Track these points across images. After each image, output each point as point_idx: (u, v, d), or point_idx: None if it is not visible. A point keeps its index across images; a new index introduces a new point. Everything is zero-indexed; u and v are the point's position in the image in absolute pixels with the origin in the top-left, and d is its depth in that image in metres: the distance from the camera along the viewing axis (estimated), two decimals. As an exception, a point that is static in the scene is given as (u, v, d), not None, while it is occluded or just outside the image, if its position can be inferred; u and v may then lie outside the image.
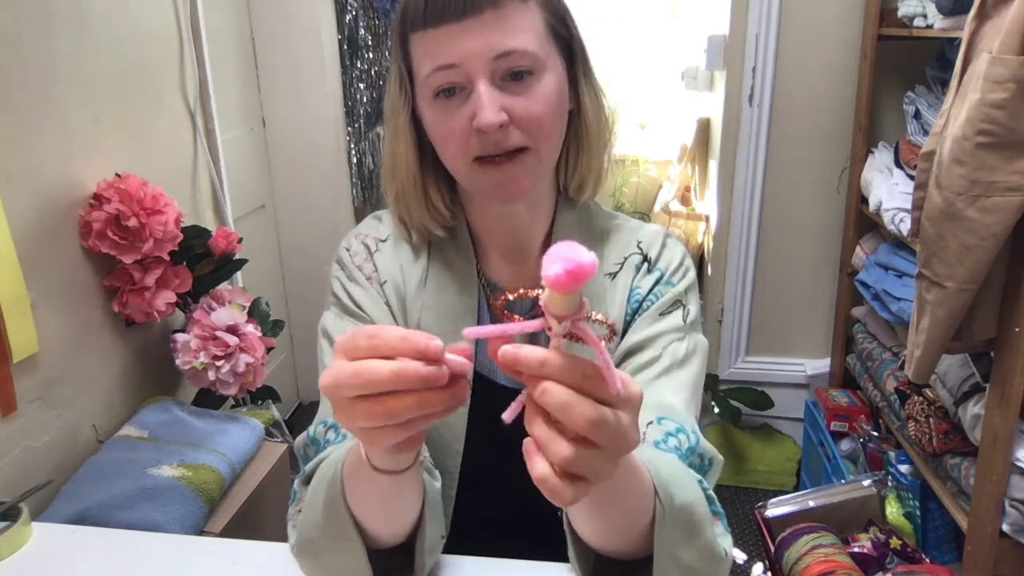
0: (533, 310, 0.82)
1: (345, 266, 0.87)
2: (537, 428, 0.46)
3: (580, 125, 0.82)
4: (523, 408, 0.49)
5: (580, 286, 0.43)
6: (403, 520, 0.69)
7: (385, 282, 0.85)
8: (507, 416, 0.48)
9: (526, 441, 0.48)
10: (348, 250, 0.88)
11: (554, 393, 0.45)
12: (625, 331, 0.84)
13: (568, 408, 0.45)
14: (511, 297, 0.49)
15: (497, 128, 0.71)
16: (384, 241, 0.88)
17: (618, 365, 0.82)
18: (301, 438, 0.80)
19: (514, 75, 0.73)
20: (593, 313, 0.47)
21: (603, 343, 0.46)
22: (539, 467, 0.46)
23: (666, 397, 0.77)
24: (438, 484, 0.78)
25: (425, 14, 0.72)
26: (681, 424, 0.75)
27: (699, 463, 0.75)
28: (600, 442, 0.46)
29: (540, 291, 0.47)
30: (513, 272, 0.87)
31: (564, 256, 0.43)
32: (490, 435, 0.53)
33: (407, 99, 0.79)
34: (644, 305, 0.84)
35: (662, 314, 0.83)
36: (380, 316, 0.84)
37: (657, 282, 0.85)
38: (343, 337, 0.50)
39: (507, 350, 0.46)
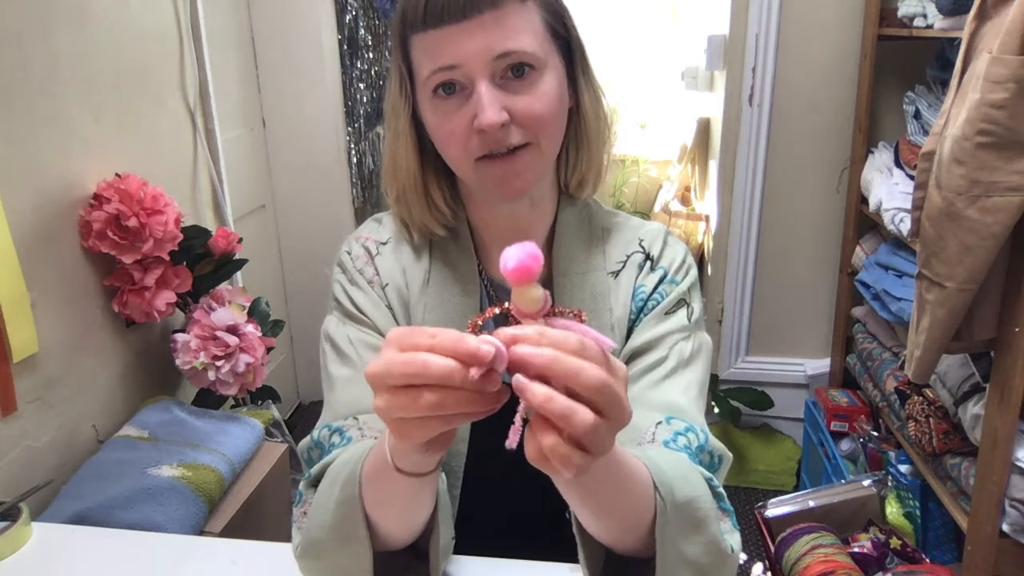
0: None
1: (346, 270, 0.87)
2: (557, 403, 0.46)
3: (580, 123, 0.82)
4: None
5: (539, 267, 0.47)
6: (417, 521, 0.70)
7: (387, 285, 0.86)
8: (511, 443, 0.48)
9: (533, 419, 0.48)
10: (349, 253, 0.88)
11: (564, 359, 0.46)
12: (630, 330, 0.84)
13: (581, 371, 0.46)
14: (480, 322, 0.51)
15: (498, 128, 0.72)
16: (385, 243, 0.88)
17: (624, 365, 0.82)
18: (305, 441, 0.80)
19: (515, 75, 0.73)
20: (557, 308, 0.50)
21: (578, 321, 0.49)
22: (549, 438, 0.47)
23: (674, 397, 0.78)
24: (444, 485, 0.78)
25: (425, 16, 0.72)
26: (690, 424, 0.75)
27: (709, 461, 0.75)
28: (606, 409, 0.47)
29: (506, 304, 0.50)
30: None
31: (519, 247, 0.47)
32: (493, 435, 0.53)
33: (407, 100, 0.79)
34: (649, 304, 0.84)
35: (667, 313, 0.83)
36: (382, 320, 0.84)
37: (661, 280, 0.85)
38: (400, 331, 0.51)
39: (505, 333, 0.48)
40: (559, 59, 0.78)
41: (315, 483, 0.74)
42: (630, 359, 0.82)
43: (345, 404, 0.79)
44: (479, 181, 0.78)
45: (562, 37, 0.79)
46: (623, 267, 0.87)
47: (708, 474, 0.71)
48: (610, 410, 0.48)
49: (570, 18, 0.80)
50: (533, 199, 0.83)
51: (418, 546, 0.75)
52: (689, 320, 0.83)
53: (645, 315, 0.84)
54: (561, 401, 0.46)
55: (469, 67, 0.72)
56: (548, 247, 0.87)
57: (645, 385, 0.79)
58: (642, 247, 0.88)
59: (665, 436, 0.73)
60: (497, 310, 0.51)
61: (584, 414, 0.46)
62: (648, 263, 0.87)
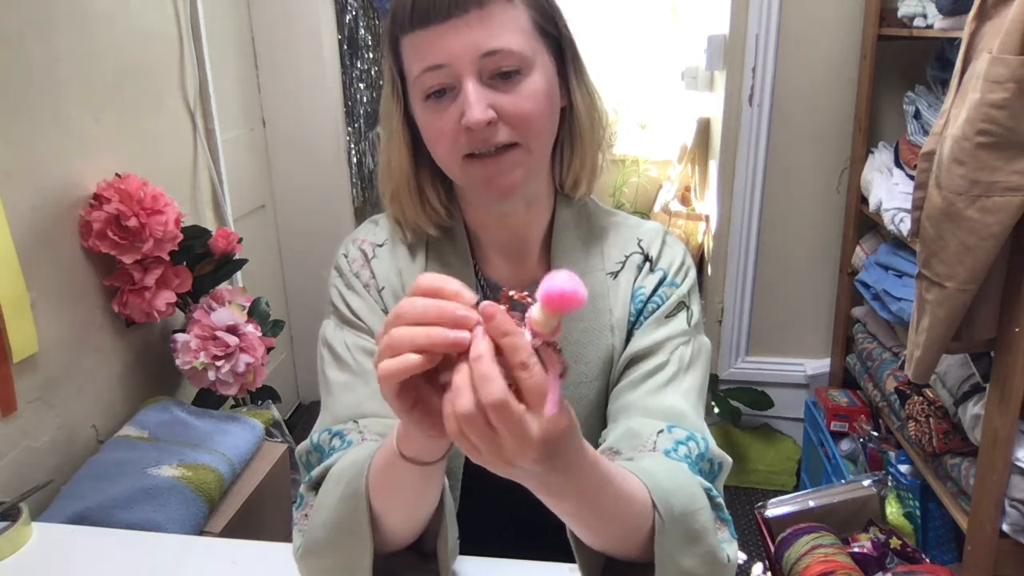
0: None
1: (343, 274, 0.87)
2: (484, 363, 0.49)
3: (573, 122, 0.82)
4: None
5: (578, 307, 0.48)
6: (420, 515, 0.70)
7: (383, 288, 0.85)
8: (551, 408, 0.49)
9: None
10: (346, 256, 0.88)
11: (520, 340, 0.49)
12: (629, 333, 0.84)
13: (486, 378, 0.48)
14: (513, 295, 0.52)
15: (485, 125, 0.72)
16: (381, 246, 0.88)
17: (624, 370, 0.82)
18: (304, 445, 0.80)
19: (502, 74, 0.73)
20: (560, 346, 0.51)
21: (558, 370, 0.50)
22: (463, 400, 0.49)
23: (676, 403, 0.77)
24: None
25: (412, 16, 0.73)
26: (691, 432, 0.75)
27: (709, 469, 0.75)
28: (531, 401, 0.49)
29: (530, 300, 0.51)
30: (513, 271, 0.87)
31: (572, 277, 0.47)
32: None
33: (399, 100, 0.80)
34: (648, 307, 0.84)
35: (667, 317, 0.83)
36: (378, 324, 0.84)
37: (660, 283, 0.85)
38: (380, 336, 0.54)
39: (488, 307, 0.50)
40: (549, 58, 0.78)
41: (315, 486, 0.74)
42: (629, 364, 0.82)
43: (344, 409, 0.79)
44: (467, 181, 0.78)
45: (552, 36, 0.78)
46: (622, 268, 0.86)
47: (707, 484, 0.71)
48: (499, 429, 0.49)
49: (561, 17, 0.80)
50: (528, 199, 0.83)
51: (424, 547, 0.75)
52: (689, 324, 0.83)
53: (644, 317, 0.84)
54: (486, 363, 0.48)
55: (456, 65, 0.72)
56: (546, 247, 0.87)
57: (645, 391, 0.79)
58: (640, 248, 0.87)
59: (666, 445, 0.73)
60: (514, 294, 0.52)
61: (498, 384, 0.47)
62: (647, 264, 0.86)
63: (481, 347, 0.49)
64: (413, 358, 0.50)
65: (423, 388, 0.54)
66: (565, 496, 0.59)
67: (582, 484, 0.58)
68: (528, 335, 0.49)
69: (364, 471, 0.66)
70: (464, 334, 0.50)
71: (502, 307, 0.51)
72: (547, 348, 0.50)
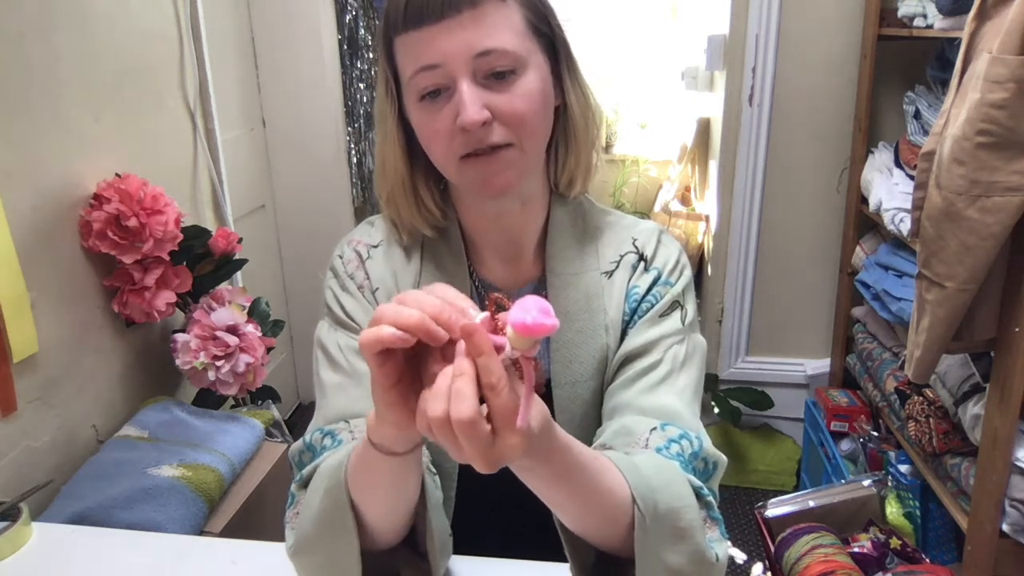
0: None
1: (338, 275, 0.87)
2: (463, 380, 0.50)
3: (567, 121, 0.83)
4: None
5: (551, 332, 0.49)
6: (401, 508, 0.70)
7: (377, 289, 0.85)
8: (520, 423, 0.51)
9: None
10: (341, 258, 0.88)
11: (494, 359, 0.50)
12: (624, 332, 0.84)
13: (460, 395, 0.50)
14: (500, 299, 0.53)
15: (480, 126, 0.72)
16: (376, 247, 0.88)
17: (618, 369, 0.82)
18: (297, 445, 0.81)
19: (496, 74, 0.73)
20: (540, 360, 0.53)
21: (533, 383, 0.51)
22: (453, 406, 0.50)
23: (669, 402, 0.77)
24: (439, 493, 0.78)
25: (405, 17, 0.73)
26: (684, 430, 0.75)
27: (703, 468, 0.75)
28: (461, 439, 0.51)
29: (504, 327, 0.52)
30: (508, 272, 0.87)
31: (539, 303, 0.49)
32: None
33: (393, 102, 0.80)
34: (643, 306, 0.84)
35: (661, 316, 0.83)
36: None
37: (655, 282, 0.85)
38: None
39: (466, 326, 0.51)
40: (543, 57, 0.78)
41: (306, 485, 0.75)
42: (624, 363, 0.82)
43: (336, 410, 0.79)
44: (462, 180, 0.78)
45: (545, 35, 0.78)
46: (616, 267, 0.86)
47: (698, 483, 0.71)
48: (465, 444, 0.50)
49: (554, 16, 0.80)
50: (523, 198, 0.83)
51: (418, 544, 0.75)
52: (683, 323, 0.83)
53: (639, 317, 0.84)
54: (465, 381, 0.50)
55: (450, 66, 0.72)
56: (541, 247, 0.87)
57: (639, 390, 0.79)
58: (635, 247, 0.87)
59: (658, 443, 0.73)
60: (501, 298, 0.53)
61: (469, 403, 0.49)
62: (642, 264, 0.86)
63: (465, 364, 0.50)
64: (387, 330, 0.52)
65: (407, 373, 0.55)
66: (534, 478, 0.60)
67: (552, 469, 0.59)
68: (508, 347, 0.51)
69: (343, 467, 0.67)
70: (442, 332, 0.52)
71: (485, 315, 0.52)
72: (526, 361, 0.51)
